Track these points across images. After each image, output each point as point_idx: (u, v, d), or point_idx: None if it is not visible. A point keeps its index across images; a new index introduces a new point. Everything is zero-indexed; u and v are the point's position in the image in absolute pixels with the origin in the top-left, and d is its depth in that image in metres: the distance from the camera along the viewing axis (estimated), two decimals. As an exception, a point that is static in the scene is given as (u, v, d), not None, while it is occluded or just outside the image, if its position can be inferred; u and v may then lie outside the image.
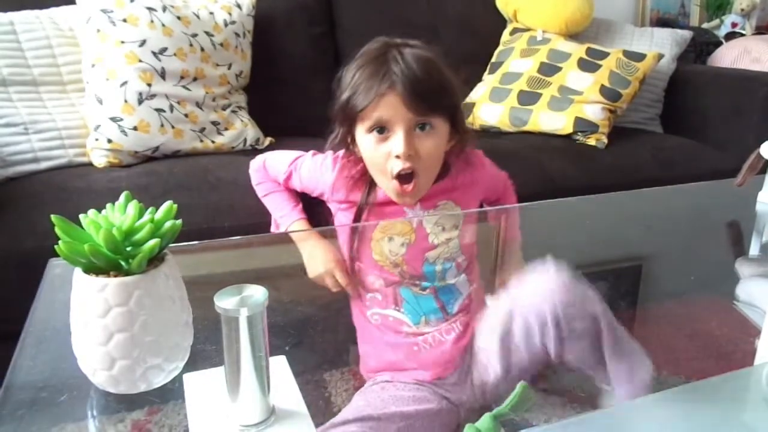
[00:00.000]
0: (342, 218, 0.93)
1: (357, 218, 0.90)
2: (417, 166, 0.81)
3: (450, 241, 0.87)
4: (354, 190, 0.90)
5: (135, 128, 1.26)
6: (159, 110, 1.29)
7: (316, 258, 0.90)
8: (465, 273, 0.89)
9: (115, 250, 0.55)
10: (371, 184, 0.89)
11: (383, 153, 0.81)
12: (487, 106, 1.65)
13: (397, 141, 0.80)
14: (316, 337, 0.97)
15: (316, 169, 0.95)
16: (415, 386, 0.82)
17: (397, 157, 0.80)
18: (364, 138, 0.83)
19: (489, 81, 1.72)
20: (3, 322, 0.79)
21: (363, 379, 0.90)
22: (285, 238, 0.99)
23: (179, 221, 0.60)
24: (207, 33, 1.39)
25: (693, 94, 1.83)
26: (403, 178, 0.82)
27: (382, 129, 0.81)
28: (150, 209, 0.59)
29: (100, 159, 1.25)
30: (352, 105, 0.81)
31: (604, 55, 1.69)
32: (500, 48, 1.82)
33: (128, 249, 0.57)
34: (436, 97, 0.81)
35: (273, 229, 1.02)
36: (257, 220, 1.04)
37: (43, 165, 1.23)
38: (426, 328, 0.86)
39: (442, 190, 0.90)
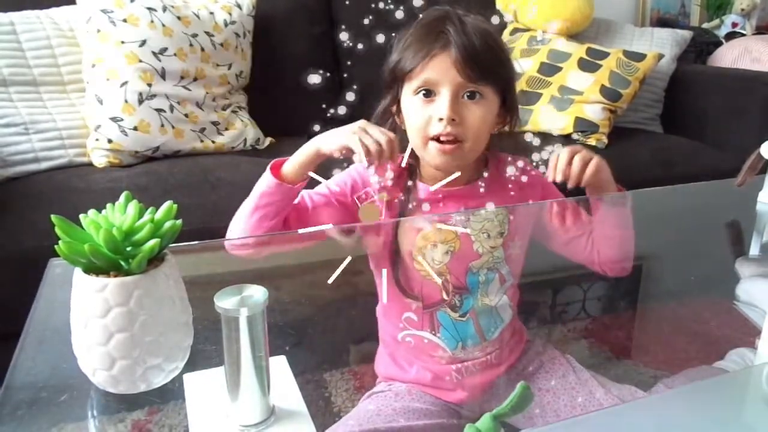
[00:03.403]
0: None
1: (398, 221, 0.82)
2: (460, 133, 0.75)
3: (495, 249, 0.80)
4: (392, 190, 0.81)
5: (135, 128, 1.26)
6: (159, 110, 1.29)
7: (334, 132, 0.76)
8: (508, 294, 0.82)
9: (115, 250, 0.55)
10: (410, 182, 0.82)
11: (425, 116, 0.75)
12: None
13: (441, 103, 0.74)
14: (316, 337, 0.97)
15: (345, 172, 0.84)
16: (431, 400, 0.80)
17: (440, 120, 0.74)
18: (409, 100, 0.78)
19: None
20: (3, 322, 0.79)
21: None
22: (285, 239, 0.98)
23: (179, 221, 0.60)
24: (207, 33, 1.39)
25: (693, 94, 1.84)
26: (445, 143, 0.75)
27: (428, 92, 0.76)
28: (150, 209, 0.59)
29: (100, 159, 1.25)
30: (401, 66, 0.77)
31: (604, 55, 1.69)
32: (500, 48, 1.82)
33: (128, 249, 0.57)
34: (490, 66, 0.76)
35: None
36: (257, 220, 1.04)
37: (44, 165, 1.23)
38: (461, 354, 0.81)
39: (477, 194, 0.82)
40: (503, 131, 0.84)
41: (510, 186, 0.83)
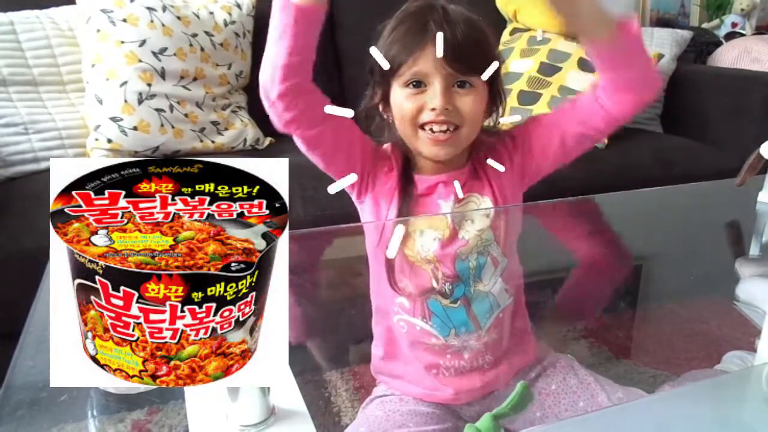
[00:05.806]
0: (374, 207, 0.82)
1: (399, 209, 0.81)
2: (455, 119, 0.76)
3: (482, 232, 0.79)
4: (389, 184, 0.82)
5: (135, 128, 1.26)
6: (159, 110, 1.29)
7: None
8: (504, 279, 0.81)
9: (115, 250, 0.55)
10: (405, 172, 0.82)
11: (417, 105, 0.76)
12: (487, 106, 1.65)
13: (433, 94, 0.75)
14: (317, 336, 0.97)
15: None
16: (434, 403, 0.80)
17: (432, 110, 0.75)
18: (399, 92, 0.78)
19: (489, 81, 1.72)
20: (3, 322, 0.79)
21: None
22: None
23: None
24: (207, 33, 1.39)
25: (693, 94, 1.83)
26: (437, 132, 0.75)
27: (419, 83, 0.76)
28: (150, 209, 0.59)
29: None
30: (389, 61, 0.76)
31: (604, 55, 1.69)
32: (500, 48, 1.82)
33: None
34: (478, 56, 0.76)
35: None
36: (257, 220, 1.04)
37: (43, 165, 1.23)
38: (455, 341, 0.80)
39: (469, 175, 0.81)
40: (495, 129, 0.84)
41: (482, 175, 0.82)
